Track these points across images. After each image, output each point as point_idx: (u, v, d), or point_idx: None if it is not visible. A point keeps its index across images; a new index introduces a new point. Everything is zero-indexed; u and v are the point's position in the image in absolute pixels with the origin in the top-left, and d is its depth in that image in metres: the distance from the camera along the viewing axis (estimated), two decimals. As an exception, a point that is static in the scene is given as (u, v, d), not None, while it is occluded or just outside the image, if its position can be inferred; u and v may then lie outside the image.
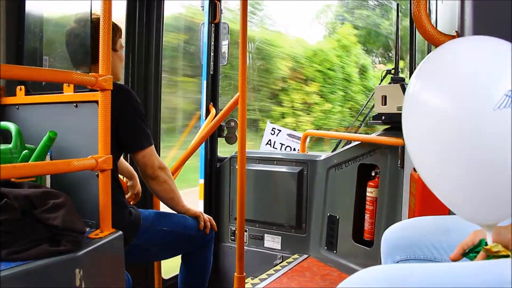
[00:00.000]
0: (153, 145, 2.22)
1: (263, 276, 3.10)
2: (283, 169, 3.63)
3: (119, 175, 2.54)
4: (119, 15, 3.07)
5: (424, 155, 1.19)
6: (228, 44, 3.92)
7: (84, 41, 2.06)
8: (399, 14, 3.45)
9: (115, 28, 2.27)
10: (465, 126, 1.05)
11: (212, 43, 3.86)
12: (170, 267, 3.28)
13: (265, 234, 3.72)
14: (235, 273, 2.83)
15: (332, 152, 3.57)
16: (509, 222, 1.19)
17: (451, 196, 1.20)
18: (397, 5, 3.50)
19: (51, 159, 1.72)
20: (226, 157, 3.92)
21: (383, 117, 2.92)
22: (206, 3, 3.82)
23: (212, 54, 3.87)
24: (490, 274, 1.05)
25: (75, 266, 1.37)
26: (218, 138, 3.98)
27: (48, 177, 1.75)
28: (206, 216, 2.49)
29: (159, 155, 3.01)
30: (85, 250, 1.42)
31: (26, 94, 1.93)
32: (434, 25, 1.74)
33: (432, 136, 1.12)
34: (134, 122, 2.15)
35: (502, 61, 1.09)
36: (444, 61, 1.15)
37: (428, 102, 1.12)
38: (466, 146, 1.05)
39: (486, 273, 1.05)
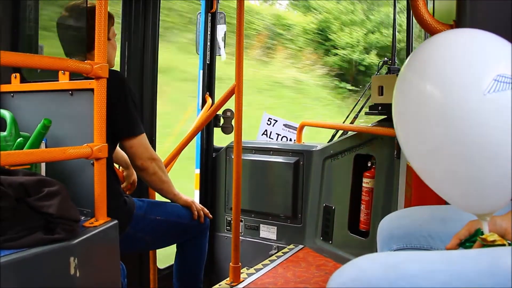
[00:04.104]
0: (143, 135, 2.20)
1: (259, 266, 3.11)
2: (279, 159, 3.63)
3: (115, 164, 2.53)
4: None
5: (415, 144, 1.19)
6: (225, 34, 3.90)
7: (77, 30, 2.05)
8: (396, 2, 3.44)
9: (109, 16, 2.25)
10: (456, 113, 1.05)
11: (209, 32, 3.84)
12: (166, 256, 3.29)
13: (260, 224, 3.72)
14: (231, 263, 2.83)
15: (328, 142, 3.57)
16: (504, 211, 1.19)
17: (444, 186, 1.20)
18: None
19: (46, 147, 1.72)
20: (222, 147, 3.92)
21: (380, 108, 2.91)
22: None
23: (208, 43, 3.86)
24: (485, 261, 1.05)
25: (69, 254, 1.36)
26: (214, 128, 3.97)
27: (43, 165, 1.74)
28: (198, 205, 2.49)
29: (155, 145, 3.01)
30: (80, 239, 1.41)
31: (21, 82, 1.91)
32: (432, 14, 1.73)
33: (423, 124, 1.12)
34: (126, 108, 2.13)
35: (491, 48, 1.11)
36: (434, 50, 1.15)
37: (419, 90, 1.13)
38: (458, 133, 1.06)
39: (481, 261, 1.05)
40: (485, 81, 1.03)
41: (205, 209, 2.51)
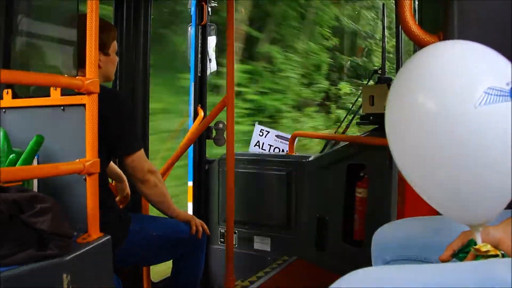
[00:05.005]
0: (142, 149, 2.20)
1: (253, 278, 3.09)
2: (271, 170, 3.63)
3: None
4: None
5: (407, 155, 1.20)
6: (216, 46, 3.91)
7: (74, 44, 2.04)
8: (385, 13, 3.47)
9: (111, 30, 2.24)
10: (448, 125, 1.06)
11: (200, 45, 3.84)
12: (158, 272, 3.27)
13: (254, 236, 3.71)
14: (225, 276, 2.82)
15: (320, 153, 3.57)
16: (497, 221, 1.19)
17: (436, 197, 1.20)
18: (383, 5, 3.52)
19: (38, 163, 1.71)
20: (215, 159, 3.91)
21: (371, 117, 2.93)
22: (193, 5, 3.80)
23: (199, 56, 3.86)
24: (480, 273, 1.05)
25: (62, 270, 1.36)
26: (207, 140, 3.96)
27: (35, 181, 1.73)
28: (198, 220, 2.47)
29: (148, 158, 2.99)
30: (73, 255, 1.40)
31: (13, 98, 1.91)
32: (419, 24, 1.74)
33: (415, 136, 1.12)
34: (123, 126, 2.12)
35: (481, 61, 1.11)
36: (427, 61, 1.16)
37: (411, 103, 1.13)
38: (450, 146, 1.06)
39: (475, 272, 1.05)
40: (476, 94, 1.03)
41: (204, 225, 2.48)
